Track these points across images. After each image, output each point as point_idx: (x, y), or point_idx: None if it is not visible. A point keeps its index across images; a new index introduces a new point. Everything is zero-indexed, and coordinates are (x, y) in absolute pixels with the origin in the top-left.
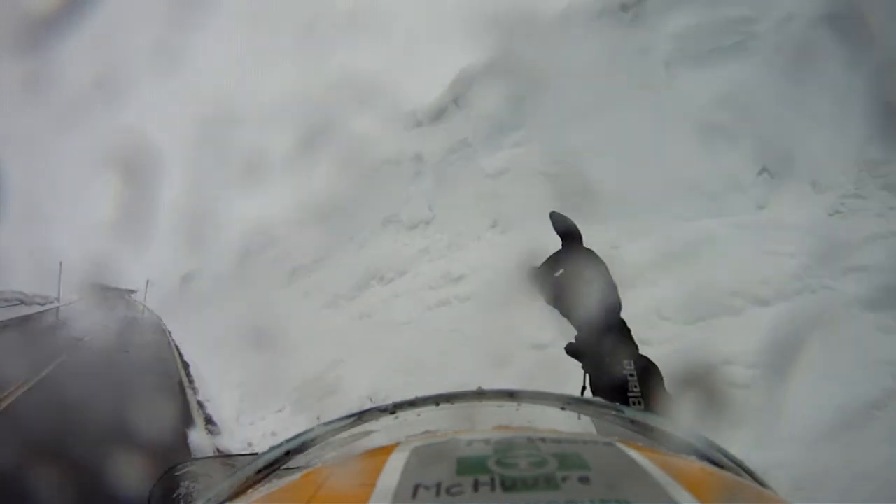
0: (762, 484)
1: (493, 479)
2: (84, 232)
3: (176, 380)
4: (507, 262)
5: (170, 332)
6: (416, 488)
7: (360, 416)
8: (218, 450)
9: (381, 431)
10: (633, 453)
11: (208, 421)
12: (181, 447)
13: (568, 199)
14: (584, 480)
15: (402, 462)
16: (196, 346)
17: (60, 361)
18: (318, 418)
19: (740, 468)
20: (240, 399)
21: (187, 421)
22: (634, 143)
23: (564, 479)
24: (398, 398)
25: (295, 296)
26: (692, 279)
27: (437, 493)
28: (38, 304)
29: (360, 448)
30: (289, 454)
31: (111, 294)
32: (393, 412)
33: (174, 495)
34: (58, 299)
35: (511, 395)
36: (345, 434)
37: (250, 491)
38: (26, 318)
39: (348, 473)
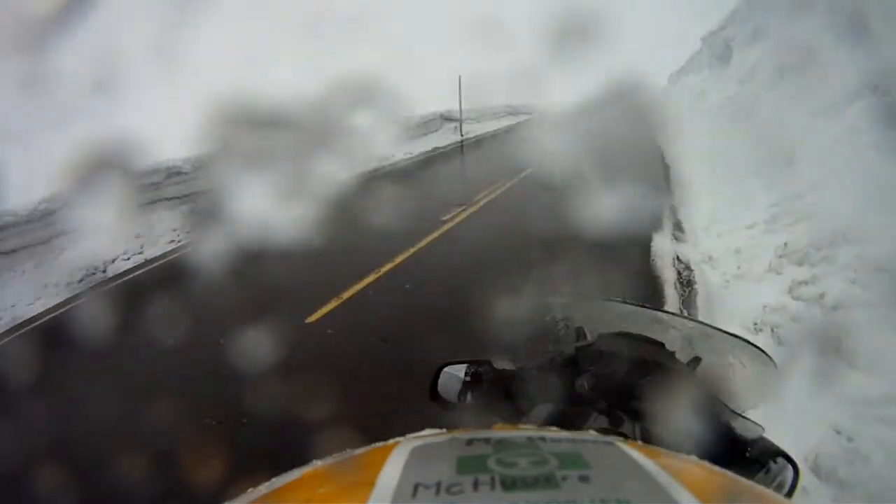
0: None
1: (493, 479)
2: None
3: (655, 179)
4: None
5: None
6: (415, 487)
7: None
8: (678, 258)
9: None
10: (634, 453)
11: (676, 227)
12: (644, 250)
13: None
14: (584, 480)
15: (402, 461)
16: (679, 146)
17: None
18: (784, 245)
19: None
20: (713, 208)
21: (656, 225)
22: None
23: (564, 478)
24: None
25: (781, 97)
26: None
27: (437, 493)
28: (525, 113)
29: (359, 447)
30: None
31: None
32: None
33: (453, 388)
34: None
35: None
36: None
37: (249, 490)
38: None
39: (348, 472)
